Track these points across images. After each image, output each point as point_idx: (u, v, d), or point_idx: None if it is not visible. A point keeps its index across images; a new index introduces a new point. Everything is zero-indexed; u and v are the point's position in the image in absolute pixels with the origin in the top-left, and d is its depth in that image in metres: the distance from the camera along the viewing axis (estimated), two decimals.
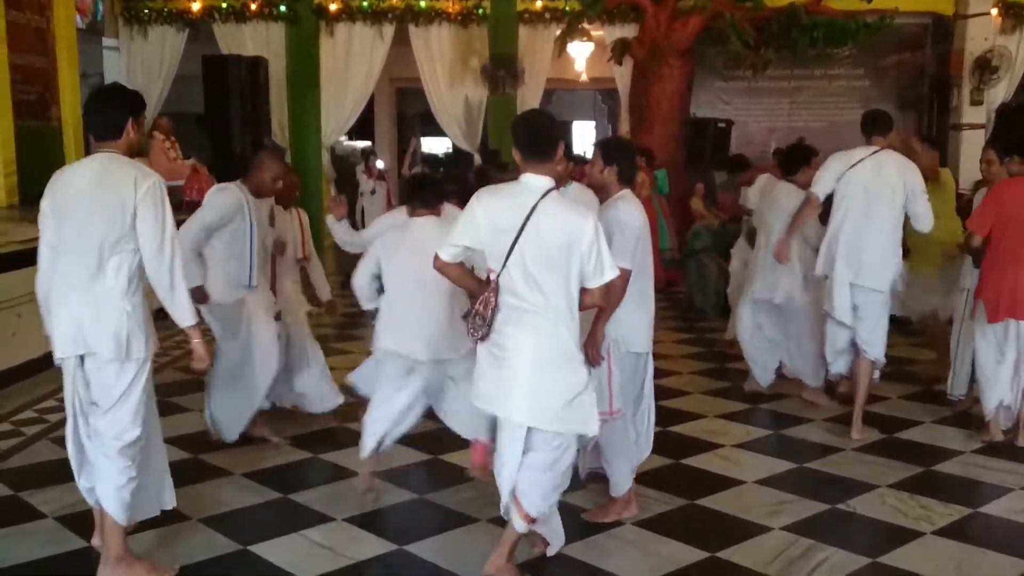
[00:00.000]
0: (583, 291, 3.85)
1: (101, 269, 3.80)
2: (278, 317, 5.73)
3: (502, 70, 13.62)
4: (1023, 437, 5.88)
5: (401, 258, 4.76)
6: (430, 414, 5.09)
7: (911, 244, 7.05)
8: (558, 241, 3.77)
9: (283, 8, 13.69)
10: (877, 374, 6.28)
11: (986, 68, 13.89)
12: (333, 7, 13.84)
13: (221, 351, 5.60)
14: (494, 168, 11.48)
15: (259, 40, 13.79)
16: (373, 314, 5.03)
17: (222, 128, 11.54)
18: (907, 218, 5.99)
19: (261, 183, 5.54)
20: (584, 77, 15.46)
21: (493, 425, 4.43)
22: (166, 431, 5.83)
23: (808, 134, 11.43)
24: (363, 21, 13.97)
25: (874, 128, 6.07)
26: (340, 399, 6.20)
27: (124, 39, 13.89)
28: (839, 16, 12.92)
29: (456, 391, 4.85)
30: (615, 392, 4.53)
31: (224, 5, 13.77)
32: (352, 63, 14.10)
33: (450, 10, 14.05)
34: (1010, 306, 5.74)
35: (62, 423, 4.33)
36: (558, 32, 13.74)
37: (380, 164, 14.26)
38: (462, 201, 4.96)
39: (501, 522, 4.60)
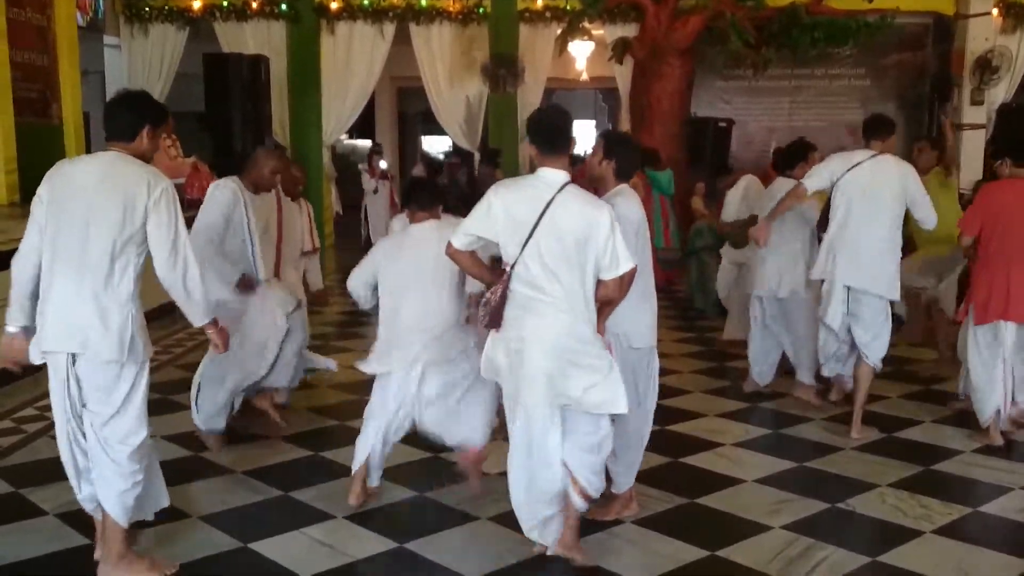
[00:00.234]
0: (598, 283, 3.97)
1: (110, 269, 3.77)
2: (297, 306, 5.78)
3: (503, 69, 13.63)
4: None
5: (402, 264, 4.74)
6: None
7: (918, 239, 7.07)
8: (575, 234, 3.88)
9: (284, 6, 13.70)
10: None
11: (987, 68, 13.90)
12: (334, 5, 13.86)
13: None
14: (487, 168, 11.52)
15: (260, 38, 13.80)
16: (375, 311, 5.01)
17: (223, 126, 11.56)
18: (909, 215, 5.99)
19: (259, 178, 5.59)
20: (585, 76, 15.46)
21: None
22: (166, 429, 5.89)
23: (808, 133, 11.37)
24: (364, 20, 13.98)
25: (874, 132, 6.08)
26: (297, 379, 6.24)
27: (125, 37, 13.90)
28: (840, 15, 12.93)
29: (453, 398, 4.83)
30: None
31: (225, 3, 13.78)
32: (353, 62, 14.11)
33: (451, 9, 14.07)
34: (1002, 307, 5.73)
35: None
36: (559, 31, 13.76)
37: (383, 164, 14.27)
38: (456, 208, 4.99)
39: (501, 520, 4.63)
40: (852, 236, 5.89)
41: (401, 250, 4.78)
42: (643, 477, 4.96)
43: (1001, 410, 5.88)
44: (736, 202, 8.23)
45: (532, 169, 4.16)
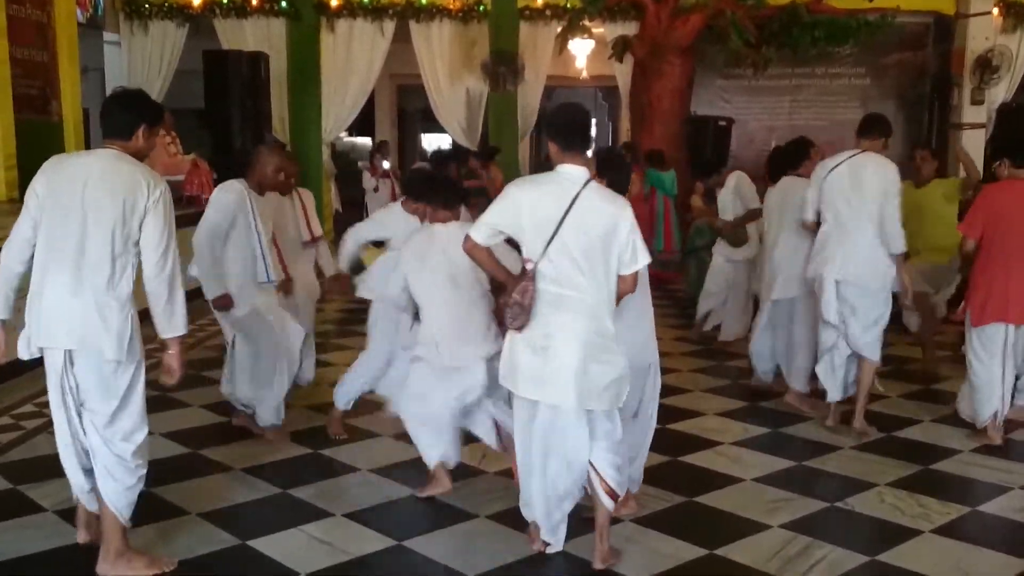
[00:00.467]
0: (618, 278, 4.02)
1: (111, 269, 3.77)
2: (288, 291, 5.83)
3: (503, 67, 13.62)
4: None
5: (431, 269, 4.74)
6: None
7: (920, 243, 7.08)
8: (600, 230, 3.92)
9: (284, 3, 13.68)
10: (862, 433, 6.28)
11: (987, 67, 13.90)
12: (334, 3, 13.83)
13: (238, 344, 5.70)
14: (476, 162, 11.51)
15: (260, 35, 13.77)
16: (416, 314, 5.01)
17: (222, 123, 11.56)
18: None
19: (263, 177, 5.58)
20: (585, 74, 15.46)
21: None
22: (165, 426, 5.90)
23: (809, 133, 11.37)
24: (364, 17, 13.95)
25: (864, 131, 6.14)
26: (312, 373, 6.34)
27: (125, 34, 13.87)
28: (840, 14, 12.93)
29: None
30: None
31: (225, 0, 13.75)
32: (353, 59, 14.09)
33: (451, 6, 14.05)
34: (1000, 309, 5.73)
35: None
36: (559, 29, 13.75)
37: (386, 164, 14.25)
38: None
39: (500, 518, 4.64)
40: (841, 235, 5.95)
41: (429, 252, 4.77)
42: (642, 476, 4.97)
43: (999, 411, 5.89)
44: (730, 200, 8.24)
45: (539, 167, 4.16)
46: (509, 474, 5.16)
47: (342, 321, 8.94)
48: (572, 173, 4.00)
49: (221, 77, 11.65)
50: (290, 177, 6.07)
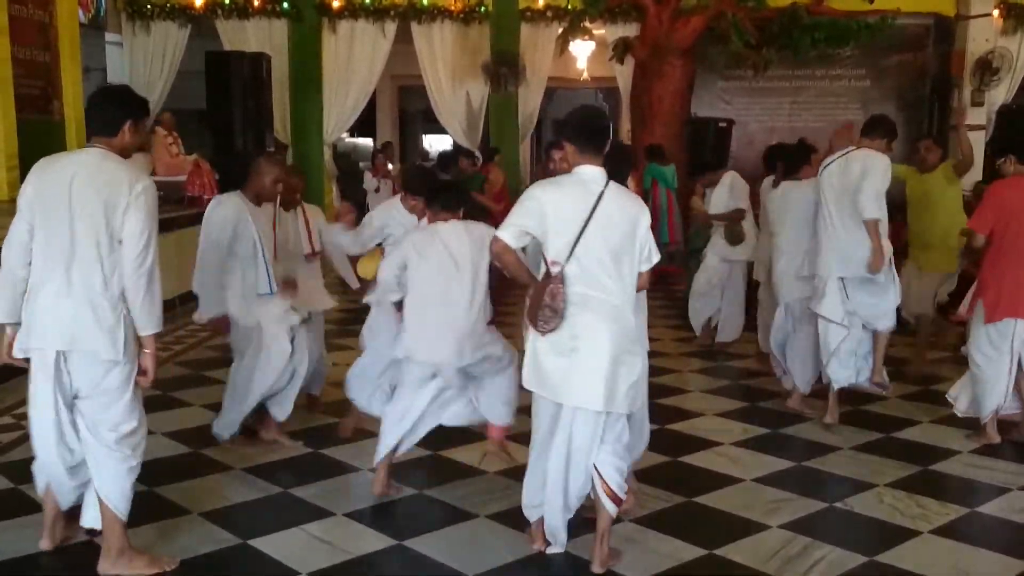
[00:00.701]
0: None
1: (102, 269, 3.78)
2: (307, 318, 5.75)
3: (504, 68, 13.64)
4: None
5: (431, 263, 4.76)
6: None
7: (919, 243, 7.10)
8: (624, 228, 3.98)
9: (286, 5, 13.71)
10: (884, 387, 6.40)
11: (987, 69, 13.90)
12: (336, 4, 13.86)
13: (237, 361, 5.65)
14: (467, 162, 11.53)
15: (262, 36, 13.80)
16: (399, 305, 5.03)
17: (224, 124, 11.57)
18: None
19: (261, 188, 5.49)
20: (585, 76, 15.47)
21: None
22: (166, 426, 5.91)
23: (809, 134, 11.40)
24: (365, 18, 13.98)
25: (866, 131, 6.22)
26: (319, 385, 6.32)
27: (127, 34, 13.90)
28: (841, 16, 12.94)
29: (482, 384, 4.94)
30: None
31: (227, 1, 13.78)
32: (354, 60, 14.12)
33: (452, 8, 14.07)
34: (1012, 305, 5.74)
35: None
36: (560, 30, 13.76)
37: (390, 166, 14.23)
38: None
39: (500, 517, 4.65)
40: (835, 234, 6.02)
41: (431, 247, 4.79)
42: (641, 476, 4.99)
43: (1000, 406, 5.89)
44: (724, 199, 8.25)
45: (545, 168, 4.19)
46: (509, 474, 5.19)
47: (342, 321, 8.94)
48: (592, 174, 4.01)
49: (223, 78, 11.66)
50: (296, 192, 6.06)
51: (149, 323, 3.89)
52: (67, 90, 10.45)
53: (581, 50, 14.52)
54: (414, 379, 4.89)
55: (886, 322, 6.24)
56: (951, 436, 6.09)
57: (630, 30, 13.82)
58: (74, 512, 4.21)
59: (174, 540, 4.36)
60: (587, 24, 13.65)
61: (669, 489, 5.07)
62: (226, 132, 11.55)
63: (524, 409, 5.52)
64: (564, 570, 4.21)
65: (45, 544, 4.18)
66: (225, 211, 5.39)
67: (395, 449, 4.91)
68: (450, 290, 4.73)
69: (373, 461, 4.97)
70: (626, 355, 4.00)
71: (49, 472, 4.04)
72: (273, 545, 4.35)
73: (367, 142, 20.39)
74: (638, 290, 4.13)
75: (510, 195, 12.85)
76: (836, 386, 6.31)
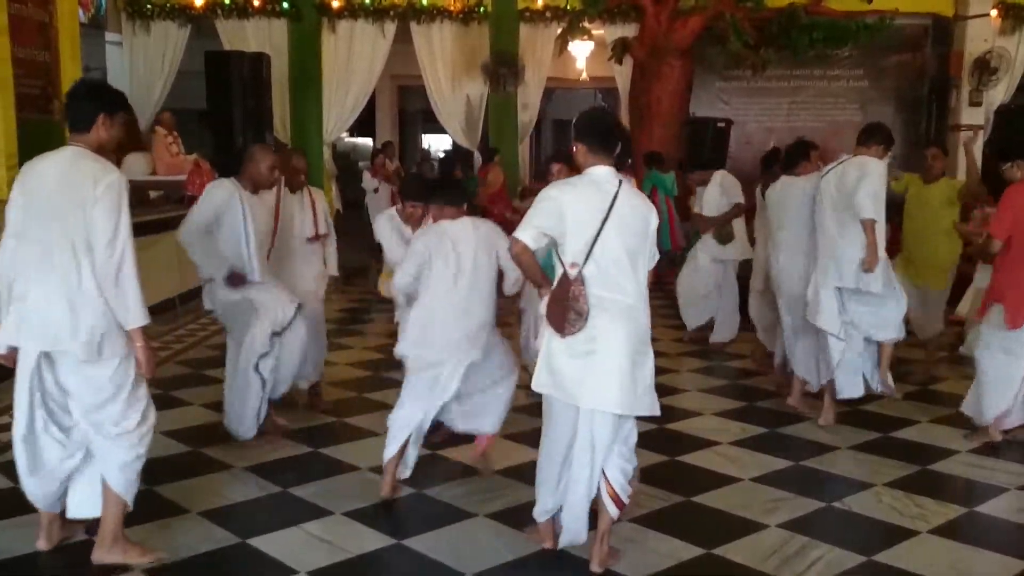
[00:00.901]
0: None
1: (77, 269, 3.80)
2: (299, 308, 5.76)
3: (503, 68, 13.65)
4: None
5: (441, 263, 4.78)
6: None
7: (917, 258, 7.11)
8: (638, 227, 4.01)
9: (286, 4, 13.70)
10: (890, 389, 6.37)
11: (985, 69, 13.91)
12: (335, 4, 13.85)
13: (233, 346, 5.68)
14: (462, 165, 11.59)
15: (261, 36, 13.80)
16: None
17: (224, 124, 11.57)
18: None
19: (257, 175, 5.54)
20: (584, 76, 15.47)
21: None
22: (166, 425, 5.91)
23: (807, 134, 11.40)
24: (365, 18, 13.98)
25: (861, 140, 6.19)
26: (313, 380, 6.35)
27: (127, 34, 13.90)
28: (839, 17, 12.95)
29: (479, 389, 4.98)
30: None
31: (227, 1, 13.77)
32: (354, 60, 14.11)
33: (452, 8, 14.07)
34: None
35: None
36: (559, 31, 13.78)
37: (389, 164, 14.23)
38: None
39: (499, 516, 4.66)
40: (834, 241, 6.01)
41: (441, 246, 4.81)
42: (640, 475, 4.98)
43: (1010, 409, 5.88)
44: (716, 197, 8.28)
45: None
46: (509, 473, 5.21)
47: (342, 320, 8.96)
48: (605, 174, 4.03)
49: (223, 78, 11.66)
50: (300, 174, 6.12)
51: (128, 317, 3.88)
52: (67, 90, 10.45)
53: (580, 50, 14.53)
54: (418, 384, 4.91)
55: (888, 333, 6.21)
56: (949, 436, 6.10)
57: (629, 30, 13.82)
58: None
59: (173, 539, 4.36)
60: (586, 24, 13.67)
61: (667, 489, 5.08)
62: (226, 132, 11.54)
63: (518, 408, 5.57)
64: (563, 569, 4.21)
65: (42, 544, 4.20)
66: (218, 193, 5.44)
67: (403, 451, 4.95)
68: (458, 288, 4.77)
69: (383, 460, 4.98)
70: (641, 356, 4.02)
71: (20, 472, 4.08)
72: (272, 544, 4.36)
73: (367, 142, 20.41)
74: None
75: (509, 195, 12.91)
76: (841, 396, 6.31)
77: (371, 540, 4.44)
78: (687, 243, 11.04)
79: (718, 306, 8.62)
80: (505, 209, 11.69)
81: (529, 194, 10.99)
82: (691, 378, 7.51)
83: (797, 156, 6.78)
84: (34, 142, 9.39)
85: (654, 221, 4.10)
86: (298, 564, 4.15)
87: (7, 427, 5.87)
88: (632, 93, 13.61)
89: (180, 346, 8.21)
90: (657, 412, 4.10)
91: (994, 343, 5.84)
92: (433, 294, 4.83)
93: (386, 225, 5.81)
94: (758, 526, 4.64)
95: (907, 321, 6.48)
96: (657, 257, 4.16)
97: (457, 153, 15.02)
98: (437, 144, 23.15)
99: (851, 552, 4.35)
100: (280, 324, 5.59)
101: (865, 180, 5.86)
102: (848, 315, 6.12)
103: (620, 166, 4.26)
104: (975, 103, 14.10)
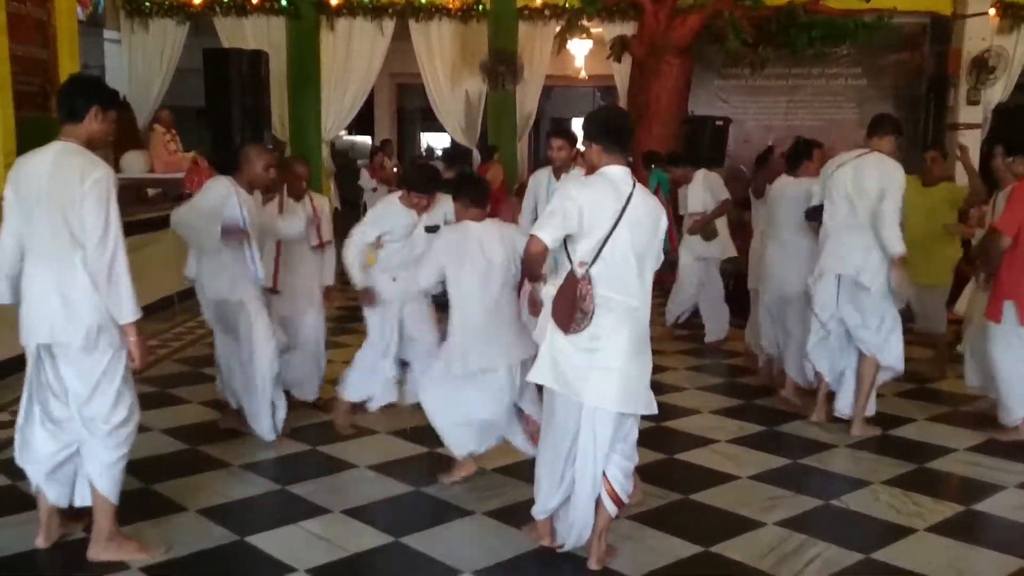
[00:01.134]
0: None
1: (70, 262, 3.84)
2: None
3: (502, 66, 13.63)
4: None
5: (469, 267, 4.77)
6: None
7: (916, 257, 7.10)
8: (649, 229, 3.99)
9: (284, 2, 13.69)
10: (890, 375, 6.26)
11: (983, 68, 13.90)
12: (334, 2, 13.84)
13: (226, 347, 5.67)
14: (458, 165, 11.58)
15: (260, 34, 13.78)
16: (440, 298, 5.08)
17: (222, 122, 11.56)
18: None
19: (253, 175, 5.50)
20: (583, 74, 15.46)
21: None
22: (164, 423, 5.92)
23: (805, 133, 11.40)
24: (364, 16, 13.97)
25: (872, 130, 6.09)
26: (316, 393, 6.34)
27: (125, 32, 13.89)
28: (837, 15, 12.94)
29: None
30: None
31: None
32: (352, 58, 14.11)
33: (450, 6, 14.06)
34: None
35: None
36: (558, 29, 13.77)
37: (388, 162, 14.19)
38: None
39: (497, 514, 4.67)
40: (841, 235, 5.96)
41: (467, 250, 4.78)
42: (638, 473, 4.98)
43: None
44: (700, 194, 8.28)
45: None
46: (507, 471, 5.21)
47: (340, 319, 8.95)
48: (621, 175, 4.00)
49: (221, 75, 11.64)
50: (302, 180, 6.10)
51: (121, 311, 3.90)
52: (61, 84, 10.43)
53: (579, 48, 14.51)
54: (488, 384, 4.87)
55: (887, 356, 6.01)
56: (947, 434, 6.11)
57: (628, 28, 13.81)
58: (70, 510, 4.24)
59: (171, 536, 4.36)
60: (585, 22, 13.64)
61: (665, 486, 5.08)
62: (224, 129, 11.53)
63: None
64: (561, 567, 4.22)
65: (40, 542, 4.20)
66: (217, 188, 5.43)
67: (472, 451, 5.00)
68: (491, 292, 4.76)
69: (450, 475, 5.07)
70: (642, 356, 4.02)
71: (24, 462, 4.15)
72: (270, 542, 4.36)
73: (365, 140, 20.39)
74: None
75: (508, 193, 12.89)
76: (813, 366, 6.29)
77: (369, 538, 4.44)
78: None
79: (702, 304, 8.61)
80: (505, 208, 11.68)
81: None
82: (688, 376, 7.51)
83: (800, 156, 6.74)
84: (32, 140, 9.32)
85: (664, 223, 4.08)
86: (296, 562, 4.15)
87: (6, 424, 5.89)
88: (631, 91, 13.61)
89: (178, 344, 8.20)
90: (654, 410, 4.09)
91: (1012, 340, 5.82)
92: (467, 301, 4.80)
93: (384, 207, 5.75)
94: (756, 524, 4.65)
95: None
96: (662, 259, 4.15)
97: (457, 150, 14.99)
98: (436, 142, 23.12)
99: (849, 550, 4.36)
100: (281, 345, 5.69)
101: (889, 201, 5.76)
102: (840, 310, 6.06)
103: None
104: (973, 102, 14.10)
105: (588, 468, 4.06)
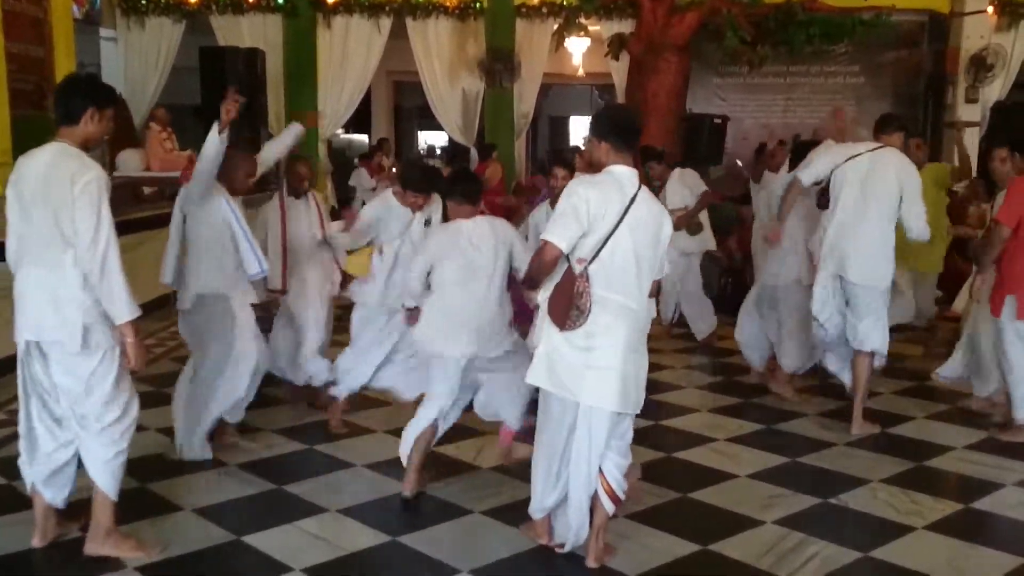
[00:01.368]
0: None
1: (60, 261, 3.84)
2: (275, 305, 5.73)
3: (499, 64, 13.62)
4: None
5: (456, 263, 4.74)
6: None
7: (906, 241, 7.09)
8: (651, 232, 3.97)
9: (280, 0, 13.67)
10: (879, 361, 6.25)
11: (981, 66, 13.90)
12: None
13: (201, 355, 5.50)
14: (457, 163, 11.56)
15: (256, 32, 13.77)
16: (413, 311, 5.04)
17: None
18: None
19: (233, 182, 5.42)
20: (581, 72, 15.45)
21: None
22: (159, 422, 5.89)
23: (804, 131, 11.42)
24: (360, 14, 13.96)
25: (880, 127, 6.07)
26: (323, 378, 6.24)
27: (121, 30, 13.86)
28: (836, 13, 12.93)
29: (497, 380, 4.93)
30: None
31: None
32: (349, 56, 14.10)
33: (448, 3, 14.05)
34: None
35: None
36: (555, 27, 13.75)
37: (386, 161, 14.16)
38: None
39: (494, 513, 4.66)
40: (847, 229, 5.90)
41: (457, 244, 4.76)
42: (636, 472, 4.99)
43: None
44: (679, 190, 8.27)
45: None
46: (503, 470, 5.19)
47: (338, 317, 8.93)
48: (627, 175, 3.97)
49: (217, 73, 11.63)
50: (303, 181, 6.11)
51: (117, 312, 3.89)
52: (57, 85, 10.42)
53: (576, 46, 14.50)
54: (442, 376, 4.84)
55: (871, 343, 6.00)
56: (945, 432, 6.11)
57: (625, 26, 13.79)
58: (67, 510, 4.23)
59: (167, 536, 4.35)
60: (582, 20, 13.62)
61: (663, 485, 5.07)
62: None
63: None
64: (559, 565, 4.20)
65: (36, 541, 4.19)
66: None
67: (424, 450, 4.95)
68: (475, 287, 4.72)
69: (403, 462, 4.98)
70: (638, 355, 4.01)
71: (22, 459, 4.15)
72: (266, 541, 4.34)
73: (362, 138, 20.37)
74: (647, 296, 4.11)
75: (506, 191, 12.88)
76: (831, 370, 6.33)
77: (366, 537, 4.42)
78: None
79: (683, 302, 8.58)
80: (503, 206, 11.66)
81: (523, 191, 10.97)
82: (686, 374, 7.50)
83: (801, 157, 6.70)
84: (28, 138, 9.32)
85: (668, 230, 4.03)
86: (293, 561, 4.14)
87: (2, 423, 5.88)
88: (628, 89, 13.58)
89: (174, 343, 8.17)
90: (639, 408, 4.07)
91: (1020, 334, 5.79)
92: (447, 291, 4.77)
93: (380, 203, 5.72)
94: (754, 522, 4.64)
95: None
96: (666, 269, 4.13)
97: (456, 149, 14.98)
98: (433, 140, 23.09)
99: (847, 548, 4.35)
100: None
101: (913, 201, 5.79)
102: (836, 306, 6.05)
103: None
104: (971, 100, 14.09)
105: (582, 467, 4.05)
